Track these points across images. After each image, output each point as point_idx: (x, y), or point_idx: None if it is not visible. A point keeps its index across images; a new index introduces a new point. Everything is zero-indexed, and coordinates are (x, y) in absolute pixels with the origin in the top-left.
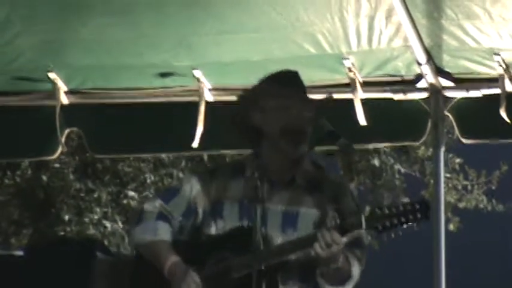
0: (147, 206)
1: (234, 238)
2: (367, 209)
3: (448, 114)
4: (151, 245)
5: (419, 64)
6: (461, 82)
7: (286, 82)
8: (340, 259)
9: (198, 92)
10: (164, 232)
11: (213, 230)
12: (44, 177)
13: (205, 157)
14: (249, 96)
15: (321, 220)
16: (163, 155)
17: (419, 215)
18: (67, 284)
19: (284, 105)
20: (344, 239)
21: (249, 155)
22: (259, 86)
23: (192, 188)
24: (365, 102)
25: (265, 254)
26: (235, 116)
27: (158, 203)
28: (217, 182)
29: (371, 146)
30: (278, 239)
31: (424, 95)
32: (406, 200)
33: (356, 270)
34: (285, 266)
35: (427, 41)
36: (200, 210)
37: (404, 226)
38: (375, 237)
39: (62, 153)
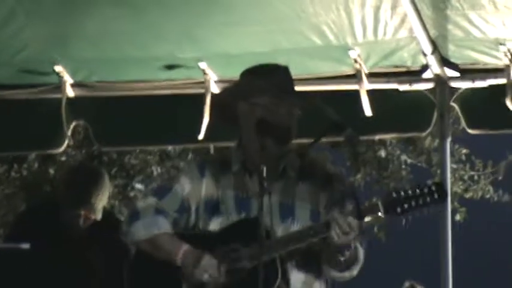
0: (142, 204)
1: (241, 229)
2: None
3: (454, 104)
4: (156, 239)
5: (425, 55)
6: (467, 72)
7: (278, 78)
8: (353, 245)
9: (204, 84)
10: (166, 226)
11: (212, 226)
12: (51, 170)
13: (212, 149)
14: (241, 90)
15: (315, 207)
16: (170, 147)
17: (436, 196)
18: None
19: (275, 103)
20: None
21: (232, 148)
22: (250, 80)
23: (184, 187)
24: (371, 93)
25: (276, 244)
26: (223, 107)
27: (152, 200)
28: (207, 180)
29: (377, 137)
30: (279, 229)
31: (430, 85)
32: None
33: (361, 253)
34: (289, 258)
35: (432, 32)
36: (193, 209)
37: (423, 209)
38: (381, 229)
39: (68, 146)
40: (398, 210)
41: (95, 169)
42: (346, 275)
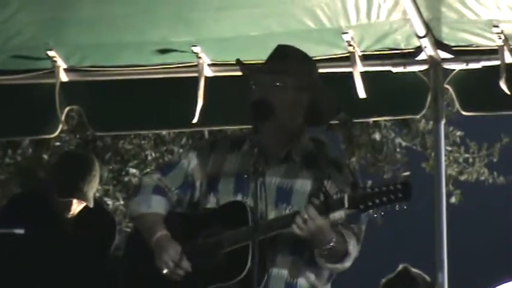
0: (146, 179)
1: (227, 212)
2: (349, 189)
3: (448, 86)
4: (143, 218)
5: (419, 37)
6: (461, 54)
7: (278, 56)
8: (333, 239)
9: (198, 68)
10: (158, 205)
11: (209, 204)
12: (45, 156)
13: (206, 133)
14: (247, 74)
15: (314, 196)
16: (164, 132)
17: (400, 195)
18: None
19: (271, 80)
20: (325, 219)
21: (249, 130)
22: (259, 64)
23: (190, 162)
24: (364, 75)
25: (252, 231)
26: (247, 93)
27: (156, 176)
28: (215, 156)
29: (371, 119)
30: (271, 214)
31: (424, 67)
32: (393, 177)
33: (353, 246)
34: (275, 240)
35: (425, 14)
36: (197, 184)
37: (386, 206)
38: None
39: (62, 131)
40: (361, 206)
41: (85, 156)
42: (338, 266)
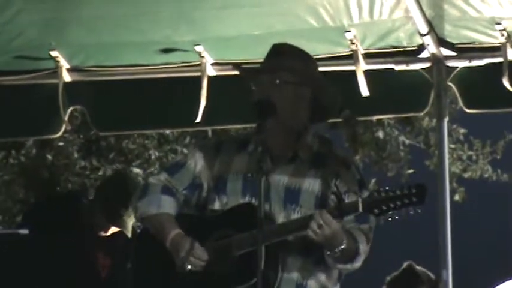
0: (152, 180)
1: (237, 215)
2: (365, 193)
3: (451, 84)
4: (155, 218)
5: (421, 35)
6: (464, 52)
7: (274, 55)
8: (344, 241)
9: (200, 67)
10: (168, 205)
11: (216, 206)
12: (49, 156)
13: (209, 132)
14: (247, 73)
15: (323, 195)
16: (168, 131)
17: (415, 199)
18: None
19: (270, 78)
20: (338, 222)
21: (254, 129)
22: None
23: (197, 162)
24: (367, 74)
25: (264, 235)
26: (249, 92)
27: (163, 176)
28: (221, 157)
29: (374, 117)
30: (280, 215)
31: (427, 65)
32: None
33: (363, 246)
34: (285, 243)
35: (428, 12)
36: (205, 185)
37: (401, 210)
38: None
39: (65, 131)
40: (376, 211)
41: (133, 182)
42: (348, 267)
